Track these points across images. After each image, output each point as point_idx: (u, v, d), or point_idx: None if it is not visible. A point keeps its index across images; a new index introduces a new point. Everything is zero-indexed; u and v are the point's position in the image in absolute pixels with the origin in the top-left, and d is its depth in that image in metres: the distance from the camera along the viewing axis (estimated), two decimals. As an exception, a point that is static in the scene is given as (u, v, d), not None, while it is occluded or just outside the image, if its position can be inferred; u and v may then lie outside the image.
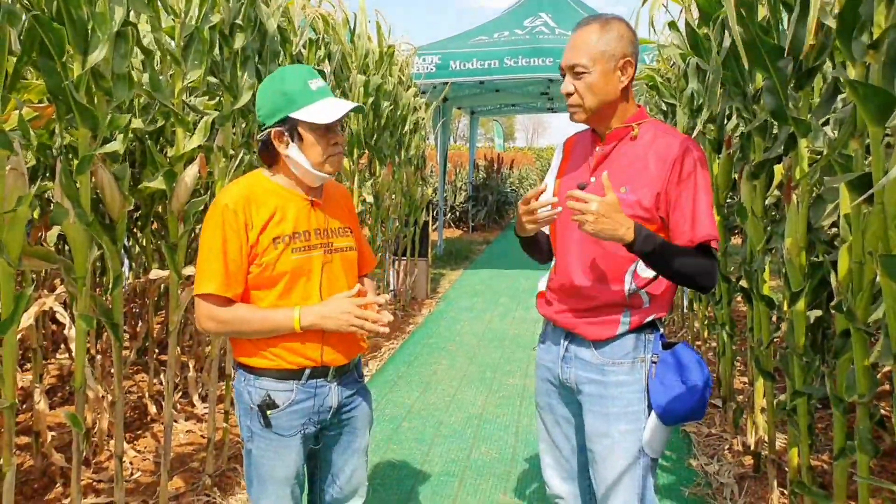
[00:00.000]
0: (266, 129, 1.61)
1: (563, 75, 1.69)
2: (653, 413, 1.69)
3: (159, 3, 2.44)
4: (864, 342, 1.75)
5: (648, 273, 1.67)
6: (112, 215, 2.18)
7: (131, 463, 3.15)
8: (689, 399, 1.65)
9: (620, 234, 1.51)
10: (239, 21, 2.79)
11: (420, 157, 6.49)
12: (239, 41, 2.78)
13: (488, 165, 14.68)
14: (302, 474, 1.75)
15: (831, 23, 1.93)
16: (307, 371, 1.65)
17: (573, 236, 1.72)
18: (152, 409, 3.56)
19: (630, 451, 1.69)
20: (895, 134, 1.62)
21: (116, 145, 2.07)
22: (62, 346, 4.30)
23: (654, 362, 1.71)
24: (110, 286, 2.12)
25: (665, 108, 4.54)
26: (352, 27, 4.26)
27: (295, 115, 1.56)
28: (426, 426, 3.69)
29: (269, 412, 1.65)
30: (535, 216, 1.65)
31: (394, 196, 5.52)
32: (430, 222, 7.55)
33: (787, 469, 2.63)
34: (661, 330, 1.75)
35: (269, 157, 1.66)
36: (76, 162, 2.02)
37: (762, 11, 2.36)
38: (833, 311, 2.19)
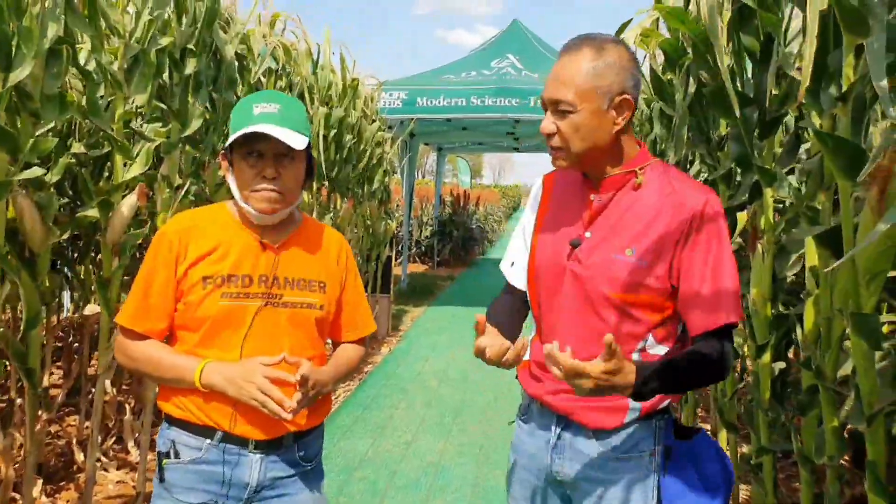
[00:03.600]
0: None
1: (544, 109, 1.39)
2: None
3: (102, 23, 2.31)
4: (833, 402, 1.67)
5: (659, 349, 1.39)
6: (33, 247, 1.99)
7: (50, 518, 2.88)
8: (706, 501, 1.37)
9: (619, 392, 1.23)
10: (191, 46, 2.66)
11: (384, 190, 6.38)
12: (190, 66, 2.65)
13: (454, 201, 14.69)
14: None
15: (795, 73, 1.91)
16: (219, 433, 1.43)
17: (566, 306, 1.41)
18: (79, 456, 3.28)
19: None
20: (864, 187, 1.57)
21: (38, 171, 1.90)
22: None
23: (667, 455, 1.42)
24: (23, 327, 1.92)
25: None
26: (315, 58, 4.18)
27: (231, 138, 1.42)
28: (379, 476, 3.50)
29: (164, 462, 1.44)
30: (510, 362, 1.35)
31: (356, 230, 5.38)
32: (394, 257, 7.41)
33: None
34: (673, 415, 1.47)
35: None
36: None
37: (727, 59, 2.34)
38: (798, 366, 2.12)
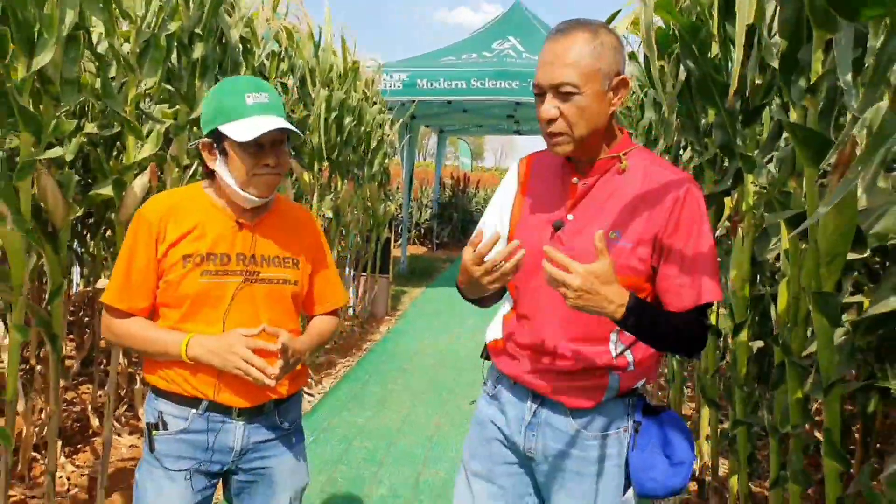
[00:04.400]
0: (199, 139, 1.52)
1: (540, 95, 1.36)
2: (630, 490, 1.45)
3: (115, 8, 2.40)
4: (799, 375, 1.79)
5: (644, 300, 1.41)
6: (55, 223, 2.11)
7: (68, 478, 3.02)
8: (672, 476, 1.42)
9: (610, 311, 1.24)
10: (198, 30, 2.75)
11: (384, 172, 6.48)
12: (198, 50, 2.75)
13: (454, 184, 14.75)
14: None
15: (776, 63, 2.00)
16: (204, 402, 1.50)
17: (546, 287, 1.34)
18: (94, 422, 3.43)
19: None
20: (829, 174, 1.68)
21: (60, 151, 2.01)
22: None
23: (636, 430, 1.45)
24: (48, 296, 2.04)
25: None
26: (317, 41, 4.25)
27: (223, 128, 1.45)
28: (378, 446, 3.64)
29: (154, 433, 1.50)
30: (495, 274, 1.29)
31: (355, 211, 5.49)
32: (393, 239, 7.52)
33: (727, 496, 2.66)
34: (644, 395, 1.51)
35: (208, 168, 1.54)
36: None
37: (714, 48, 2.43)
38: (773, 344, 2.24)
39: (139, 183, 2.41)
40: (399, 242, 10.28)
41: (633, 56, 3.63)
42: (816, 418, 3.34)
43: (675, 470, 1.42)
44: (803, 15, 1.62)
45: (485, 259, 1.29)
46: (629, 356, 1.40)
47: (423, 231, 13.89)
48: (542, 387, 1.44)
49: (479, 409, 1.59)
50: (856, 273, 2.18)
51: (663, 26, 2.93)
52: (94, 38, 2.64)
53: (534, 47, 7.91)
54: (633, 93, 4.16)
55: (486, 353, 1.60)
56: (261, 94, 1.47)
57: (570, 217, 1.41)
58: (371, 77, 5.65)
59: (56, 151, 2.00)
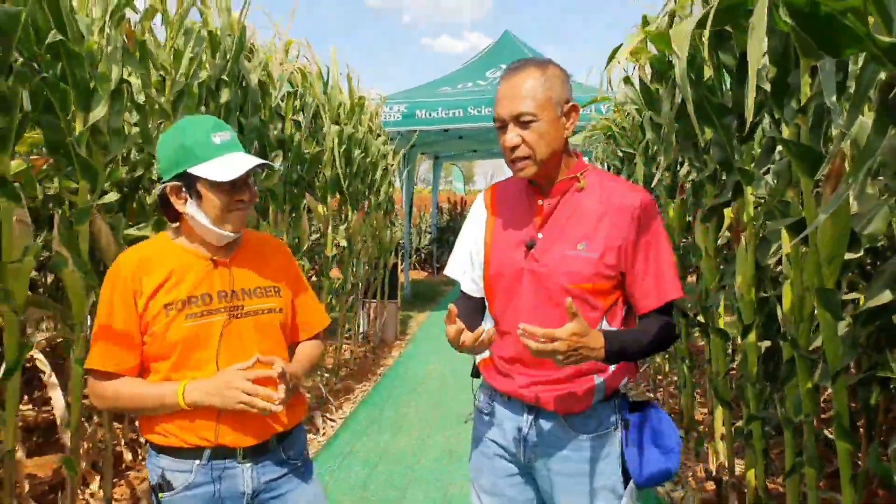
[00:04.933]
0: (163, 183, 1.49)
1: (502, 127, 1.51)
2: (631, 482, 1.56)
3: (150, 62, 2.59)
4: (807, 367, 1.95)
5: (613, 329, 1.54)
6: (107, 263, 2.26)
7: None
8: (665, 463, 1.54)
9: (594, 356, 1.39)
10: (224, 77, 2.95)
11: (388, 201, 6.67)
12: (225, 96, 2.93)
13: (451, 208, 14.96)
14: None
15: (767, 86, 2.20)
16: (207, 451, 1.47)
17: (526, 301, 1.53)
18: (128, 456, 3.54)
19: None
20: (823, 184, 1.86)
21: (114, 196, 2.17)
22: (23, 396, 4.24)
23: (626, 427, 1.57)
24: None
25: (622, 156, 4.84)
26: (325, 79, 4.46)
27: (193, 170, 1.43)
28: (398, 469, 3.73)
29: (161, 495, 1.47)
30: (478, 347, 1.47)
31: (365, 240, 5.66)
32: (399, 264, 7.68)
33: (746, 491, 2.79)
34: (627, 393, 1.64)
35: (171, 214, 1.52)
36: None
37: (707, 72, 2.63)
38: (781, 341, 2.40)
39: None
40: (402, 268, 10.44)
41: (628, 81, 3.84)
42: (823, 416, 3.48)
43: (666, 457, 1.54)
44: (790, 44, 1.81)
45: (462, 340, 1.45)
46: None
47: (423, 256, 14.06)
48: (535, 398, 1.53)
49: (475, 428, 1.68)
50: (850, 273, 2.36)
51: (657, 53, 3.13)
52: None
53: (525, 73, 8.17)
54: (629, 114, 4.37)
55: (475, 371, 1.70)
56: (224, 132, 1.48)
57: (540, 235, 1.54)
58: (374, 110, 5.87)
59: (110, 197, 2.16)
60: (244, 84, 3.24)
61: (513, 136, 1.48)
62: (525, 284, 1.53)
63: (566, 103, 1.49)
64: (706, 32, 1.53)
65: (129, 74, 2.66)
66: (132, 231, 2.64)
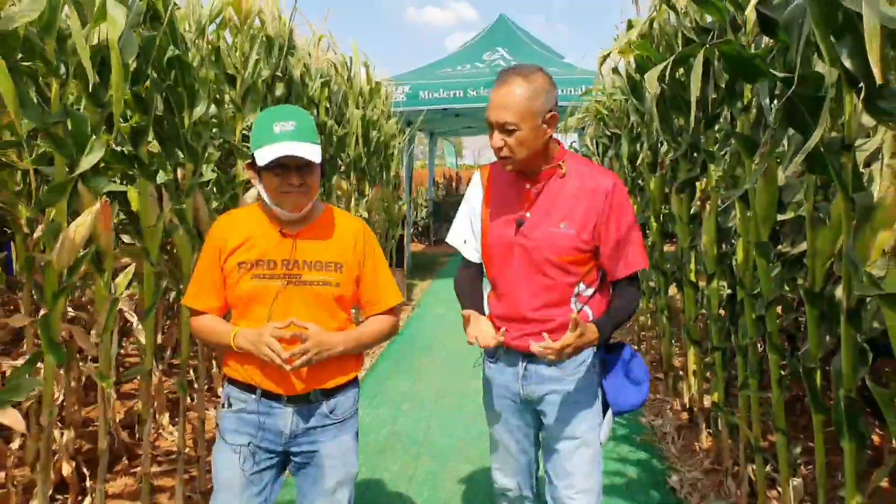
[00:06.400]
0: (248, 162, 1.74)
1: (490, 128, 1.73)
2: (609, 410, 1.89)
3: (223, 63, 3.13)
4: (751, 302, 2.57)
5: (589, 291, 1.83)
6: (202, 230, 2.84)
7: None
8: (636, 393, 1.86)
9: (593, 343, 1.71)
10: (278, 73, 3.49)
11: (396, 177, 7.23)
12: (279, 89, 3.48)
13: (447, 183, 15.48)
14: (261, 497, 1.74)
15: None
16: (259, 390, 1.72)
17: (517, 270, 1.81)
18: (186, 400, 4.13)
19: (594, 444, 1.87)
20: (761, 163, 2.47)
21: (211, 175, 2.74)
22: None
23: (603, 364, 1.89)
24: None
25: (609, 135, 5.43)
26: (349, 68, 4.99)
27: (255, 153, 1.64)
28: (423, 406, 4.38)
29: (220, 410, 1.77)
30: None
31: (379, 213, 6.24)
32: (405, 236, 8.26)
33: (712, 418, 3.45)
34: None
35: None
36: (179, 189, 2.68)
37: (680, 71, 3.21)
38: (736, 286, 3.02)
39: (251, 195, 3.14)
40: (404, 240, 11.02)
41: (616, 71, 4.41)
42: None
43: (637, 388, 1.87)
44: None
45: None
46: (588, 311, 1.82)
47: (420, 229, 14.61)
48: (527, 348, 1.75)
49: (484, 373, 2.03)
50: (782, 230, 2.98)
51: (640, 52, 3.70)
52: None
53: (521, 56, 8.73)
54: (617, 99, 4.94)
55: None
56: (288, 122, 1.63)
57: (528, 215, 1.81)
58: (386, 93, 6.40)
59: (208, 176, 2.73)
60: (290, 78, 3.78)
61: (497, 139, 1.73)
62: (516, 256, 1.81)
63: (548, 113, 1.70)
64: (667, 76, 2.11)
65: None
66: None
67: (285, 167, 1.62)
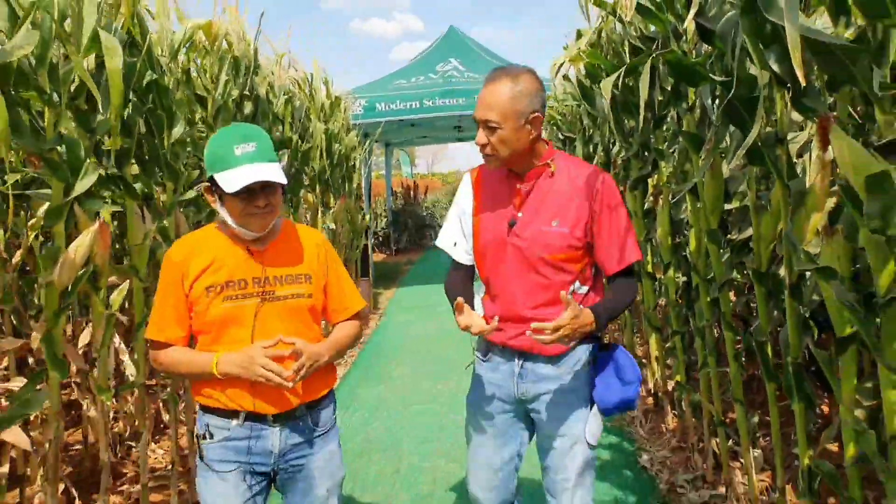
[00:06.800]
0: (201, 183, 1.73)
1: (477, 124, 1.75)
2: (595, 408, 1.85)
3: (194, 85, 3.22)
4: (706, 286, 2.80)
5: (583, 289, 1.83)
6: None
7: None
8: (626, 393, 1.81)
9: (588, 329, 1.66)
10: (246, 92, 3.59)
11: (359, 188, 7.34)
12: (248, 107, 3.58)
13: (405, 192, 15.61)
14: None
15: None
16: (242, 413, 1.67)
17: (510, 269, 1.80)
18: (165, 416, 4.15)
19: (586, 442, 1.85)
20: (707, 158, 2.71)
21: (192, 193, 2.83)
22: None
23: (595, 364, 1.86)
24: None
25: (563, 139, 5.68)
26: (310, 84, 5.11)
27: (216, 176, 1.59)
28: (396, 410, 4.48)
29: (202, 442, 1.69)
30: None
31: (343, 224, 6.34)
32: (370, 246, 8.36)
33: (676, 400, 3.68)
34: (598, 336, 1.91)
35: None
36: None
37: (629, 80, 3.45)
38: (691, 273, 3.26)
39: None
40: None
41: (567, 78, 4.65)
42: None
43: (627, 388, 1.83)
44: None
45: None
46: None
47: (381, 238, 14.68)
48: (524, 346, 1.81)
49: (475, 371, 1.99)
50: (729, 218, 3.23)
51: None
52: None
53: (473, 66, 8.98)
54: (569, 104, 5.19)
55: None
56: (249, 143, 1.59)
57: (519, 214, 1.81)
58: (345, 106, 6.53)
59: (190, 194, 2.82)
60: (256, 96, 3.88)
61: (481, 136, 1.75)
62: (509, 255, 1.80)
63: (531, 114, 1.71)
64: (619, 83, 2.33)
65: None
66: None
67: (252, 191, 1.58)
